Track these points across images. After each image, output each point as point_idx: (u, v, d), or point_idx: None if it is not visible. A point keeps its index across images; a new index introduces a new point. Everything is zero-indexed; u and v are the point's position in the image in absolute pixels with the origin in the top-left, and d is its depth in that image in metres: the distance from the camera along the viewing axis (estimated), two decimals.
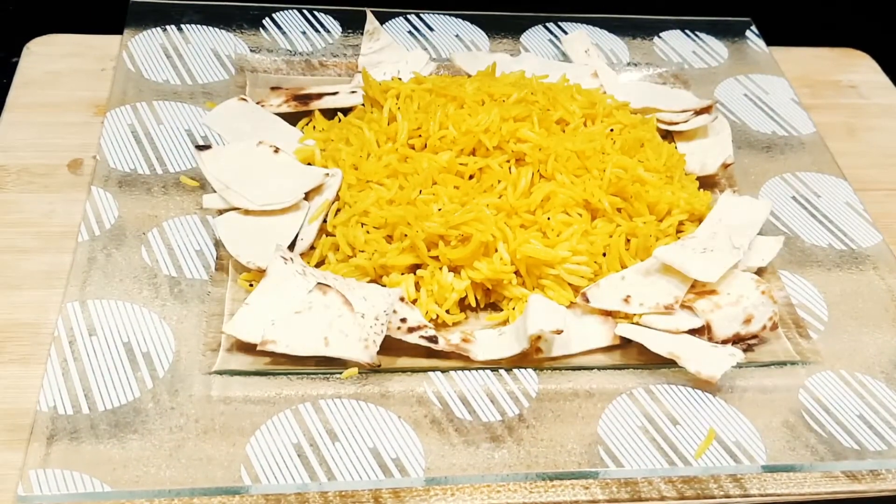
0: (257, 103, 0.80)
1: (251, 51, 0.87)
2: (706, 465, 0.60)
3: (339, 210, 0.72)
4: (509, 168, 0.72)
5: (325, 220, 0.72)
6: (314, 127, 0.80)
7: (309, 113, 0.81)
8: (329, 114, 0.81)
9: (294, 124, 0.80)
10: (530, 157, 0.73)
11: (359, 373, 0.62)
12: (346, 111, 0.81)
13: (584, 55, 0.90)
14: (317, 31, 0.90)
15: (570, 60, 0.90)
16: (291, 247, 0.70)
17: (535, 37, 0.93)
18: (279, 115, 0.80)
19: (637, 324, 0.68)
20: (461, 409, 0.61)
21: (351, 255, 0.70)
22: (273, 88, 0.83)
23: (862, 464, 0.61)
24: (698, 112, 0.84)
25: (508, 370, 0.64)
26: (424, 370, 0.63)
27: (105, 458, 0.56)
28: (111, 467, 0.55)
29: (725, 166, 0.80)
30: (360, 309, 0.64)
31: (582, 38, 0.91)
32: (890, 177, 0.86)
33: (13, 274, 0.67)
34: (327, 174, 0.73)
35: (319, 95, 0.82)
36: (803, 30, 1.02)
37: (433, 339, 0.64)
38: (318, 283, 0.65)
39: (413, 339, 0.64)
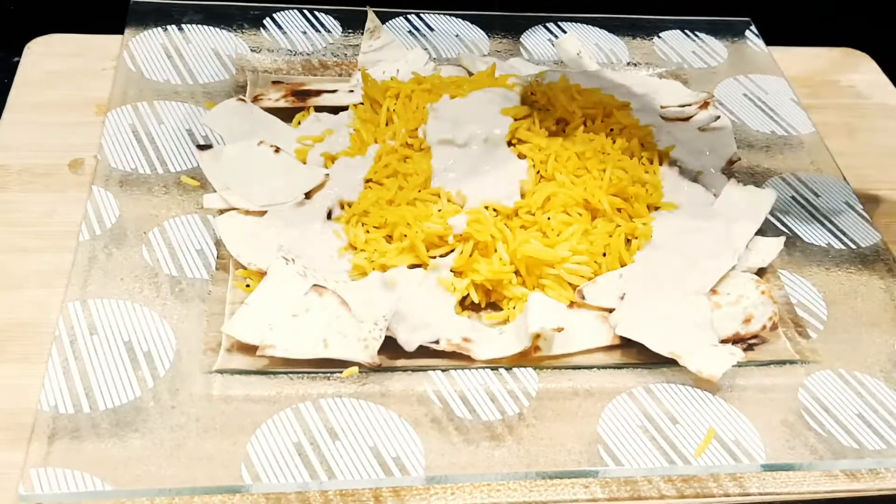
0: (256, 97, 0.81)
1: (252, 50, 0.87)
2: (706, 464, 0.60)
3: None
4: None
5: None
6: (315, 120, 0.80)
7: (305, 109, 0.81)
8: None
9: (289, 121, 0.80)
10: (530, 157, 0.73)
11: (359, 372, 0.62)
12: (344, 109, 0.81)
13: (576, 58, 0.90)
14: (317, 30, 0.90)
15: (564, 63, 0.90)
16: None
17: (535, 37, 0.93)
18: (276, 109, 0.80)
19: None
20: (461, 408, 0.61)
21: None
22: (274, 83, 0.83)
23: (861, 463, 0.61)
24: (699, 107, 0.84)
25: (508, 369, 0.64)
26: (425, 369, 0.63)
27: (106, 457, 0.56)
28: (112, 466, 0.55)
29: (731, 163, 0.80)
30: (360, 309, 0.64)
31: (573, 41, 0.91)
32: (890, 177, 0.86)
33: (14, 273, 0.67)
34: (327, 174, 0.73)
35: (318, 92, 0.82)
36: (803, 30, 1.02)
37: (433, 339, 0.64)
38: (314, 285, 0.65)
39: None
